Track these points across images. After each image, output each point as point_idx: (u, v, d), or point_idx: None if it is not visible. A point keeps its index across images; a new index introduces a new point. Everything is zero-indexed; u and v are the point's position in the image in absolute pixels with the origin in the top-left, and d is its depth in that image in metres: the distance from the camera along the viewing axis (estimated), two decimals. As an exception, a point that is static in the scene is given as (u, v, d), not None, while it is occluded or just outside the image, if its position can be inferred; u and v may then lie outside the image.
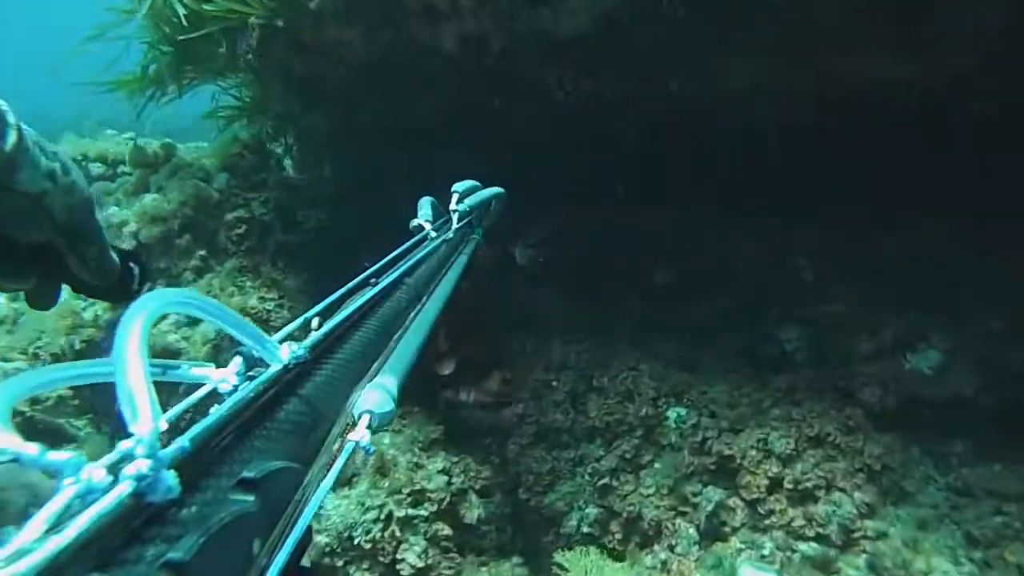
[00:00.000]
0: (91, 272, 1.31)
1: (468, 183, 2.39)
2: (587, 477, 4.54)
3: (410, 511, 4.10)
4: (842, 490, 4.01)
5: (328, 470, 0.89)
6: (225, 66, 5.52)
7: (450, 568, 4.15)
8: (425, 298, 1.64)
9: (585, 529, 4.40)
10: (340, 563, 3.95)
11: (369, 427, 0.99)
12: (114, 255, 1.41)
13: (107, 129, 6.67)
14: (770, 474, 4.10)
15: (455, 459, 4.55)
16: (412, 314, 1.51)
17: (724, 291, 5.25)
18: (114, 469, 0.59)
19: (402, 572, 3.96)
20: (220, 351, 4.59)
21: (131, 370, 0.64)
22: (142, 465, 0.59)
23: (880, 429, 4.24)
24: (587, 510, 4.46)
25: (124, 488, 0.58)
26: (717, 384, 4.58)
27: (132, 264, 1.47)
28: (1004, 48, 3.34)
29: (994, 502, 3.99)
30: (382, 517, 4.03)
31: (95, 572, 0.54)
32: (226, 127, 5.96)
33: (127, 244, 4.91)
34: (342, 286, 1.45)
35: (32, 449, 0.60)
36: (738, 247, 5.31)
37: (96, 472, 0.58)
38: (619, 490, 4.43)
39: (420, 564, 3.98)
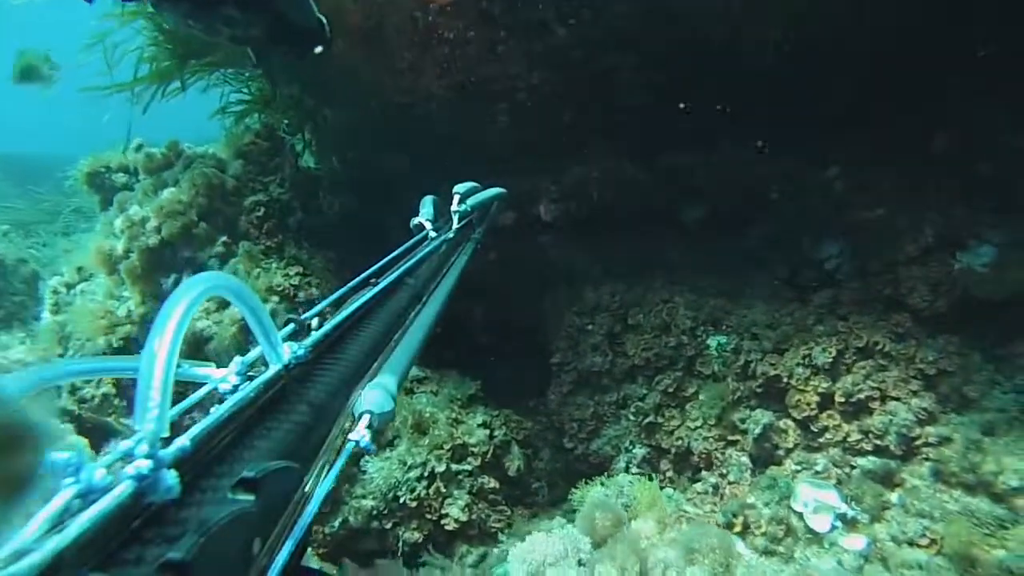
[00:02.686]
0: (299, 11, 1.52)
1: (468, 184, 2.37)
2: (631, 418, 4.43)
3: (453, 466, 4.05)
4: (897, 399, 3.80)
5: (328, 469, 0.89)
6: (228, 56, 5.53)
7: (499, 521, 4.10)
8: (425, 297, 1.63)
9: (634, 471, 4.29)
10: (388, 525, 3.91)
11: (369, 427, 0.98)
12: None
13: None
14: (820, 390, 3.92)
15: (495, 413, 4.49)
16: (412, 314, 1.51)
17: (758, 219, 5.05)
18: (115, 468, 0.59)
19: (447, 528, 3.92)
20: (250, 331, 4.60)
21: (152, 369, 0.65)
22: (142, 465, 0.59)
23: (933, 334, 3.99)
24: (634, 451, 4.36)
25: (124, 488, 0.58)
26: (757, 307, 4.39)
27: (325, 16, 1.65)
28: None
29: (1070, 397, 3.74)
30: (425, 474, 3.98)
31: (95, 572, 0.53)
32: (237, 122, 6.01)
33: (153, 241, 4.97)
34: (360, 271, 1.48)
35: None
36: (768, 172, 5.11)
37: (96, 472, 0.58)
38: (665, 426, 4.31)
39: (465, 518, 3.92)
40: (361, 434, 0.95)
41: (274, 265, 5.05)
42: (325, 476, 0.87)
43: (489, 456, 4.17)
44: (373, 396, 1.03)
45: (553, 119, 5.11)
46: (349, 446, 0.93)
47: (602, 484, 3.99)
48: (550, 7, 4.23)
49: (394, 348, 1.29)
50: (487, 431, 4.25)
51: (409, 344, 1.32)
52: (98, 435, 4.71)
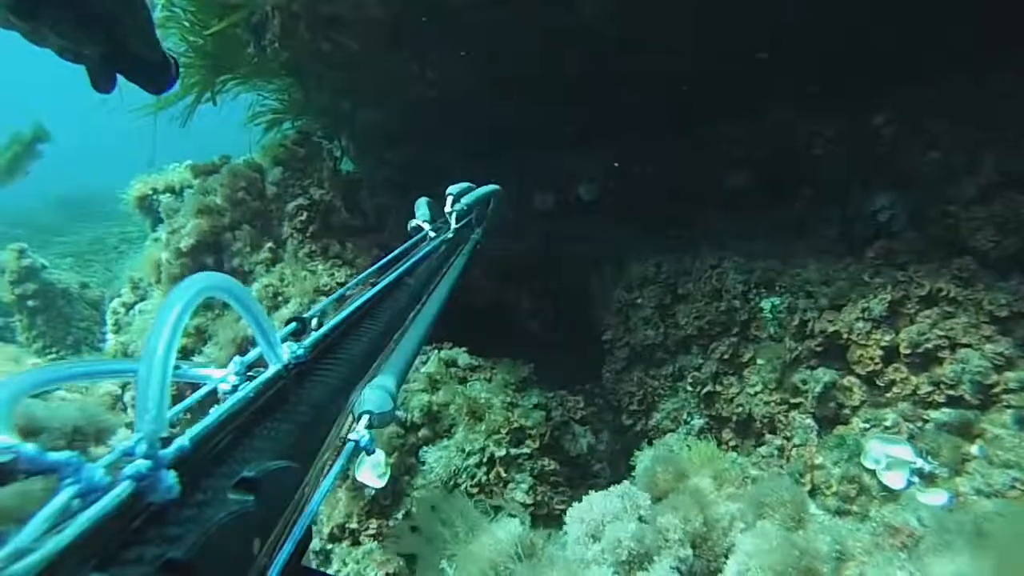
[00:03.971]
0: (143, 41, 1.40)
1: (462, 184, 2.38)
2: (689, 388, 4.34)
3: (512, 450, 4.03)
4: (968, 346, 3.61)
5: (328, 469, 0.89)
6: (256, 68, 5.63)
7: (563, 503, 4.05)
8: (425, 298, 1.63)
9: (691, 442, 4.19)
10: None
11: (369, 426, 0.98)
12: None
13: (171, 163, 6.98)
14: (883, 344, 3.76)
15: (550, 395, 4.45)
16: (412, 314, 1.51)
17: (805, 180, 4.90)
18: (114, 468, 0.59)
19: (512, 512, 3.90)
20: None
21: (151, 369, 0.64)
22: (141, 465, 0.59)
23: (1002, 276, 3.79)
24: (693, 422, 4.26)
25: (123, 488, 0.57)
26: (809, 266, 4.24)
27: (172, 55, 1.57)
28: None
29: None
30: (484, 460, 3.97)
31: (95, 572, 0.53)
32: (269, 130, 6.12)
33: (186, 244, 5.10)
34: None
35: (31, 448, 0.59)
36: (810, 128, 4.95)
37: (96, 471, 0.58)
38: (724, 395, 4.21)
39: (529, 500, 3.89)
40: (361, 434, 0.96)
41: (319, 267, 5.11)
42: (325, 476, 0.88)
43: (547, 438, 4.13)
44: (373, 396, 1.04)
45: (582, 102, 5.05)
46: (349, 446, 0.94)
47: (650, 444, 3.93)
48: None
49: (394, 348, 1.30)
50: (543, 413, 4.21)
51: (409, 344, 1.32)
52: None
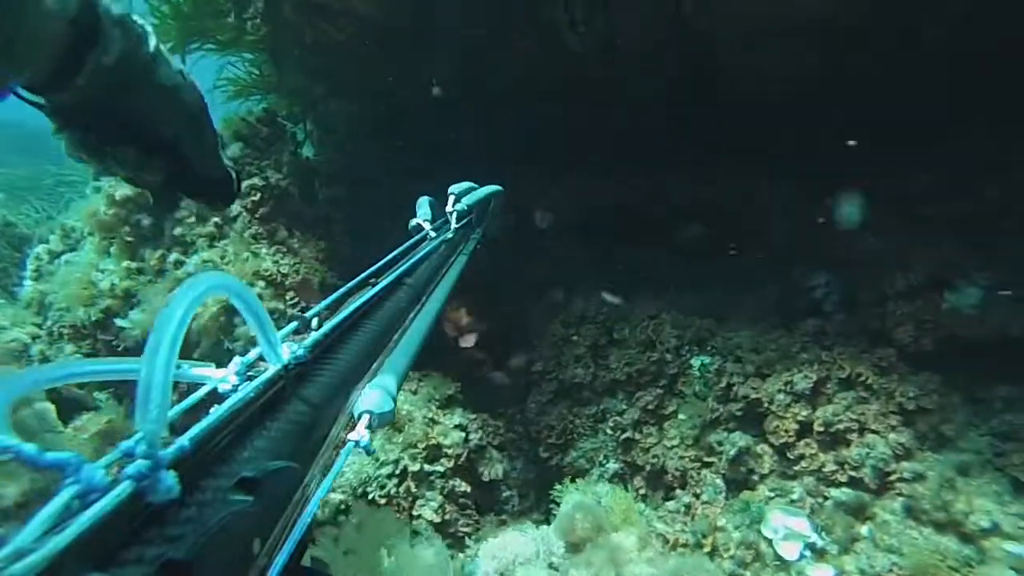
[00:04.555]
0: (209, 162, 1.45)
1: (464, 184, 2.38)
2: (609, 432, 4.41)
3: (426, 466, 4.02)
4: (876, 432, 3.80)
5: (328, 470, 0.89)
6: (234, 38, 5.53)
7: (468, 526, 4.06)
8: (425, 297, 1.63)
9: (606, 485, 4.26)
10: (355, 520, 3.87)
11: (369, 427, 0.98)
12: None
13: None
14: (799, 418, 3.91)
15: (472, 416, 4.46)
16: (412, 314, 1.51)
17: (751, 244, 5.07)
18: (114, 468, 0.59)
19: (418, 528, 3.88)
20: (234, 316, 4.57)
21: (153, 369, 0.63)
22: (142, 465, 0.58)
23: (916, 371, 4.00)
24: (608, 465, 4.33)
25: (124, 488, 0.57)
26: (743, 331, 4.40)
27: (234, 169, 1.60)
28: None
29: (1044, 445, 3.75)
30: (397, 472, 3.95)
31: (95, 572, 0.53)
32: (233, 99, 5.99)
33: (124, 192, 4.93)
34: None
35: (31, 448, 0.59)
36: (765, 197, 5.13)
37: (96, 471, 0.58)
38: (642, 443, 4.29)
39: (437, 519, 3.89)
40: (361, 434, 0.95)
41: (264, 250, 5.02)
42: (325, 476, 0.87)
43: (463, 459, 4.14)
44: (373, 396, 1.04)
45: (556, 128, 5.12)
46: (349, 446, 0.94)
47: (577, 489, 3.96)
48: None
49: (393, 348, 1.30)
50: (463, 434, 4.21)
51: (409, 344, 1.33)
52: (71, 406, 4.64)
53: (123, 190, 4.95)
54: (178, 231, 4.98)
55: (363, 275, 1.49)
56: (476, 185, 2.42)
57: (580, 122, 5.12)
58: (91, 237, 5.27)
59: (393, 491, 3.89)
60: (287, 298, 4.89)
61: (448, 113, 5.36)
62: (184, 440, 0.66)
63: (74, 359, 5.03)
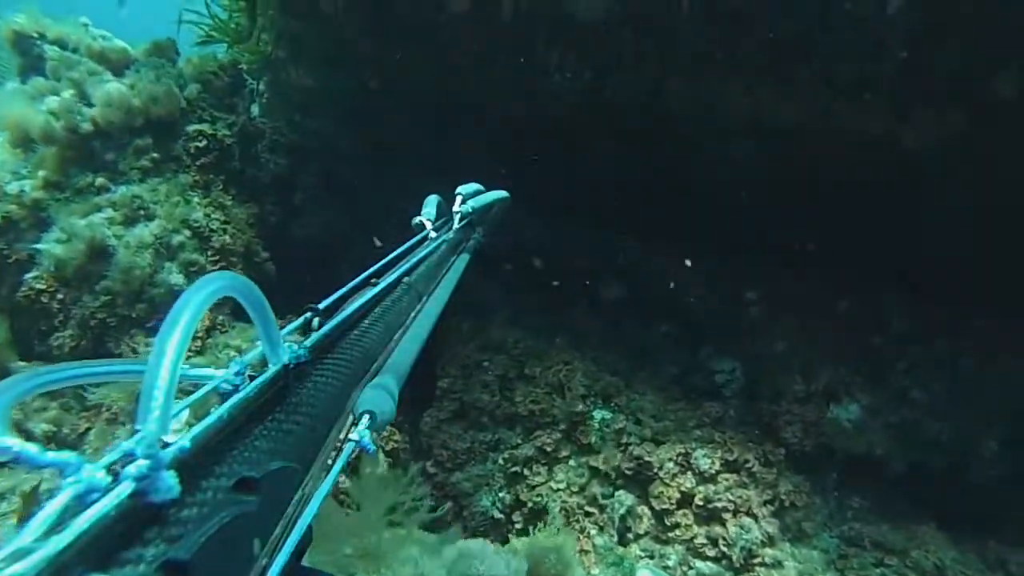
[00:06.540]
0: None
1: (473, 186, 2.39)
2: (500, 462, 4.44)
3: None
4: (753, 516, 4.02)
5: (328, 469, 0.89)
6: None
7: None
8: (425, 297, 1.63)
9: (497, 514, 4.28)
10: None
11: (369, 427, 0.98)
12: None
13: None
14: (683, 489, 4.09)
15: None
16: (412, 314, 1.51)
17: (670, 316, 5.30)
18: (114, 469, 0.59)
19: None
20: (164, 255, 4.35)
21: (158, 371, 0.63)
22: (142, 465, 0.58)
23: (794, 469, 4.30)
24: (501, 494, 4.36)
25: (124, 488, 0.57)
26: (648, 395, 4.58)
27: None
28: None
29: (878, 554, 4.11)
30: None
31: (95, 572, 0.53)
32: (202, 42, 5.78)
33: (85, 127, 4.61)
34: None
35: (32, 448, 0.59)
36: (692, 277, 5.38)
37: (96, 472, 0.58)
38: (529, 480, 4.35)
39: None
40: (361, 434, 0.96)
41: (196, 200, 4.83)
42: (325, 476, 0.88)
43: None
44: (373, 396, 1.04)
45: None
46: (349, 446, 0.94)
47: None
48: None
49: (394, 348, 1.30)
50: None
51: (409, 345, 1.33)
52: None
53: (86, 126, 4.62)
54: (110, 156, 4.71)
55: (364, 275, 1.49)
56: (483, 188, 2.43)
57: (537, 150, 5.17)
58: (14, 145, 4.86)
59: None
60: (208, 254, 4.71)
61: (398, 111, 5.31)
62: (184, 440, 0.66)
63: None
